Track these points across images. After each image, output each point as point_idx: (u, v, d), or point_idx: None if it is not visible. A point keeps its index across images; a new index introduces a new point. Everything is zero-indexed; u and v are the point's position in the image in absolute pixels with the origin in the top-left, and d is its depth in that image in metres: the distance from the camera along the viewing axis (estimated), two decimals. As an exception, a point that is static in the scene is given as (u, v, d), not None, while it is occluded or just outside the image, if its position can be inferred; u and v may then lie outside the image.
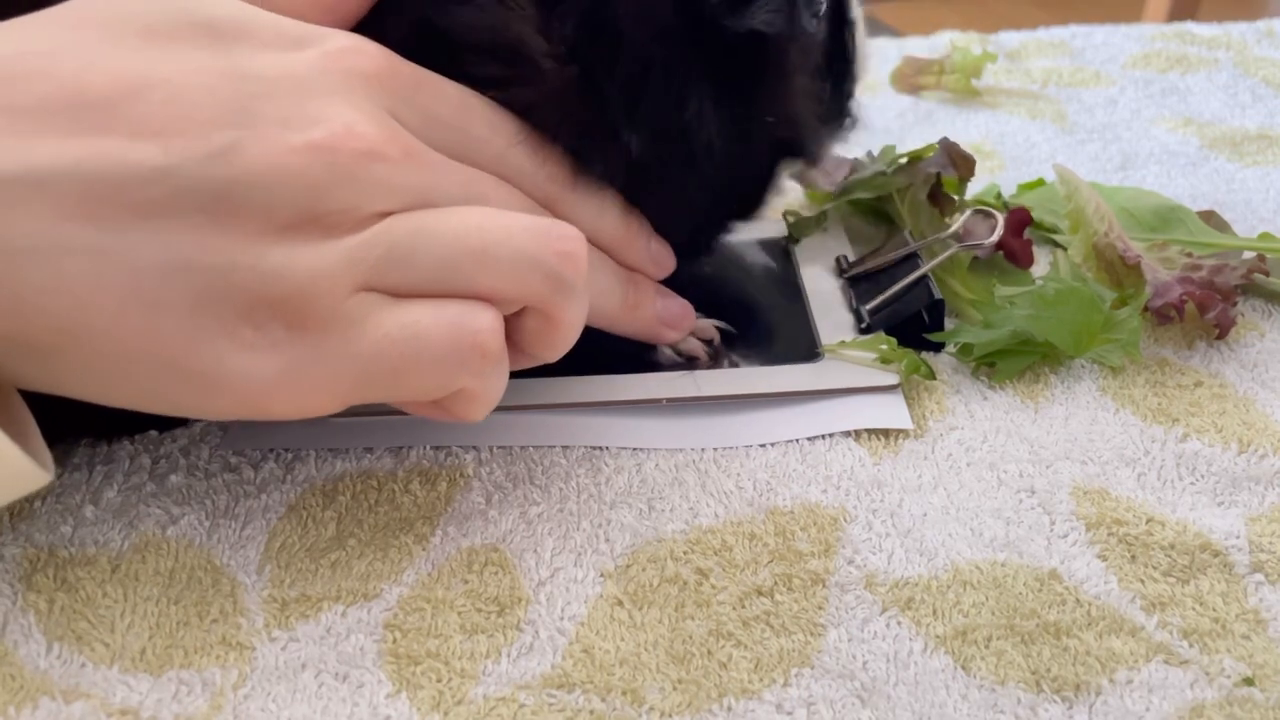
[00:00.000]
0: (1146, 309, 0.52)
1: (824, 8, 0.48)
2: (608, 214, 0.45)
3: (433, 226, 0.37)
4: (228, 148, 0.34)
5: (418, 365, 0.37)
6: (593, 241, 0.44)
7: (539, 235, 0.38)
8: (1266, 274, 0.55)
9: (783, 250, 0.60)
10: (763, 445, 0.47)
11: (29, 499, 0.44)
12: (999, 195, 0.64)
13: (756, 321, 0.54)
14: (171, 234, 0.33)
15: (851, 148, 0.61)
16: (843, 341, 0.51)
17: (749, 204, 0.52)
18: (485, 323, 0.37)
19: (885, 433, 0.47)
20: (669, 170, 0.46)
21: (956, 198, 0.60)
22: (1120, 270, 0.55)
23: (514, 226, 0.38)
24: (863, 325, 0.52)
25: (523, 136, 0.42)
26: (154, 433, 0.47)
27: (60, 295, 0.32)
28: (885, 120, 0.79)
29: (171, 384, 0.35)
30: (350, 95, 0.37)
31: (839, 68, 0.55)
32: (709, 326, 0.52)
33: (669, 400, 0.49)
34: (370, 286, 0.36)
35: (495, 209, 0.39)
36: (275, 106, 0.35)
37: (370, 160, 0.36)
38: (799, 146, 0.51)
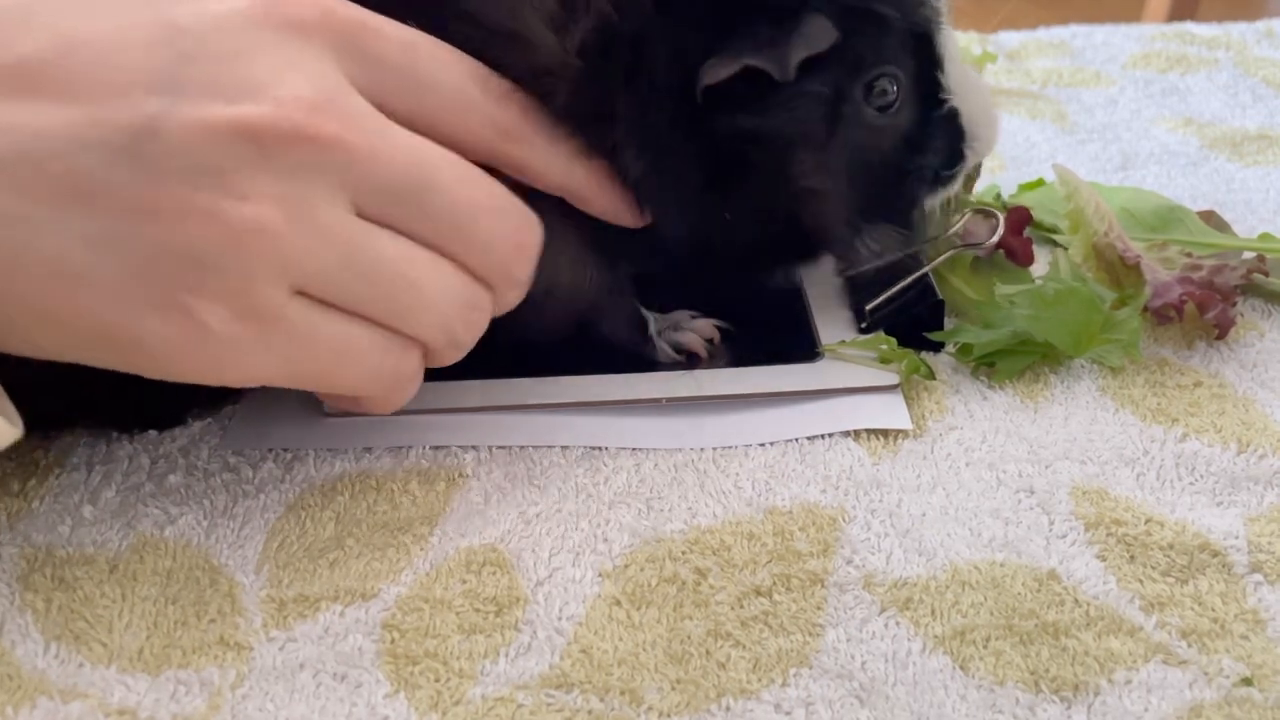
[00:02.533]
0: (1146, 309, 0.52)
1: (893, 94, 0.45)
2: (570, 163, 0.43)
3: (373, 256, 0.37)
4: (152, 119, 0.34)
5: (342, 378, 0.39)
6: (546, 187, 0.43)
7: (462, 300, 0.40)
8: (1266, 274, 0.55)
9: None
10: (762, 445, 0.47)
11: (27, 498, 0.44)
12: (999, 195, 0.64)
13: (756, 321, 0.54)
14: (97, 207, 0.34)
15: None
16: (843, 341, 0.51)
17: (756, 268, 0.50)
18: (412, 366, 0.41)
19: (884, 433, 0.47)
20: (662, 198, 0.45)
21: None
22: (1120, 270, 0.55)
23: (440, 286, 0.39)
24: (863, 325, 0.52)
25: (478, 74, 0.40)
26: (153, 433, 0.47)
27: None
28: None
29: (99, 347, 0.36)
30: (285, 50, 0.36)
31: (924, 161, 0.48)
32: (709, 326, 0.52)
33: (668, 400, 0.49)
34: (306, 293, 0.37)
35: (430, 256, 0.39)
36: (205, 69, 0.35)
37: (297, 143, 0.35)
38: (812, 249, 0.49)
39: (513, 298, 0.42)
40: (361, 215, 0.37)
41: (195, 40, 0.35)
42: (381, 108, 0.38)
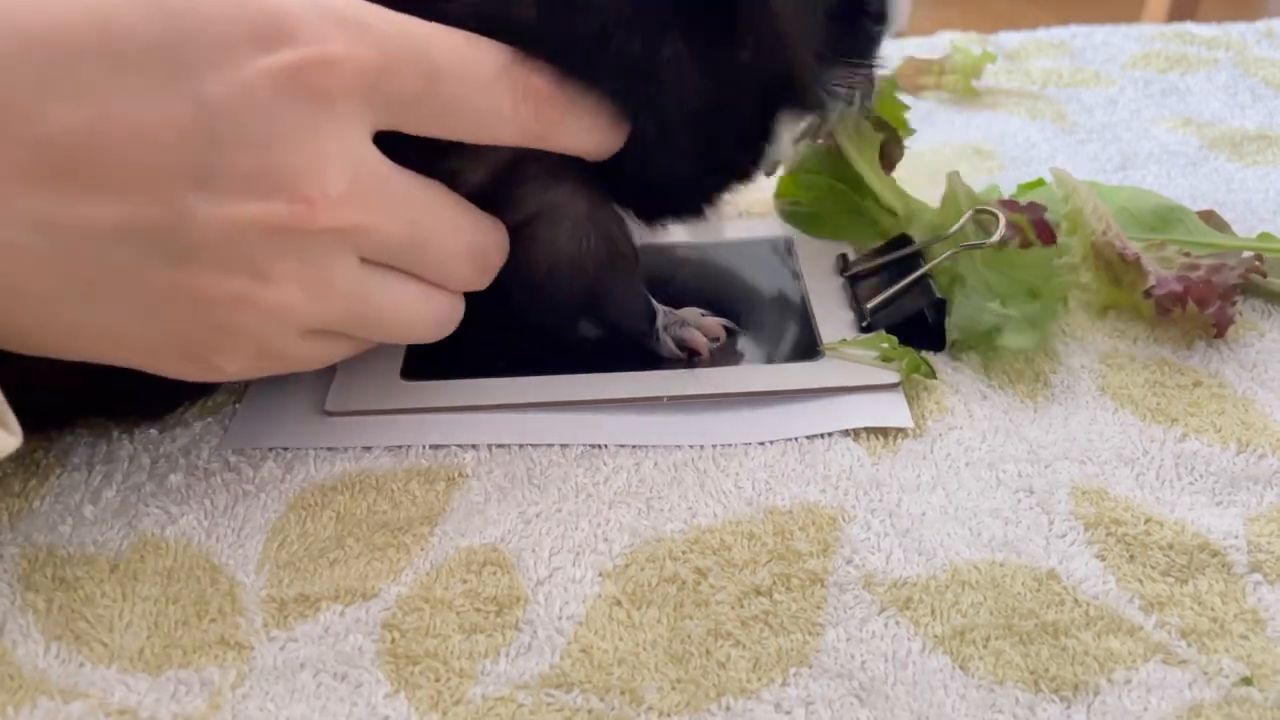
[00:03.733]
0: (1149, 295, 0.52)
1: None
2: (592, 123, 0.44)
3: (374, 300, 0.42)
4: (186, 215, 0.35)
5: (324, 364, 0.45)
6: (572, 153, 0.45)
7: (444, 313, 0.45)
8: (1264, 274, 0.55)
9: (784, 249, 0.60)
10: (762, 443, 0.47)
11: (28, 498, 0.44)
12: (998, 196, 0.64)
13: (757, 319, 0.54)
14: (131, 291, 0.36)
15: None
16: (844, 340, 0.51)
17: (745, 159, 0.50)
18: None
19: (884, 432, 0.47)
20: (647, 117, 0.45)
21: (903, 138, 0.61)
22: (1119, 268, 0.55)
23: (425, 309, 0.44)
24: (864, 324, 0.52)
25: (498, 71, 0.41)
26: (154, 432, 0.47)
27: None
28: (885, 120, 0.78)
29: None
30: (313, 130, 0.37)
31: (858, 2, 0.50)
32: (717, 325, 0.52)
33: (670, 398, 0.49)
34: (322, 330, 0.42)
35: (419, 287, 0.43)
36: (236, 158, 0.36)
37: (323, 235, 0.38)
38: (794, 93, 0.48)
39: (484, 284, 0.46)
40: (367, 266, 0.41)
41: (225, 121, 0.35)
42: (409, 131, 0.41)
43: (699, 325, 0.52)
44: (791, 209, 0.63)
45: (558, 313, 0.51)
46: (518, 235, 0.46)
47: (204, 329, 0.38)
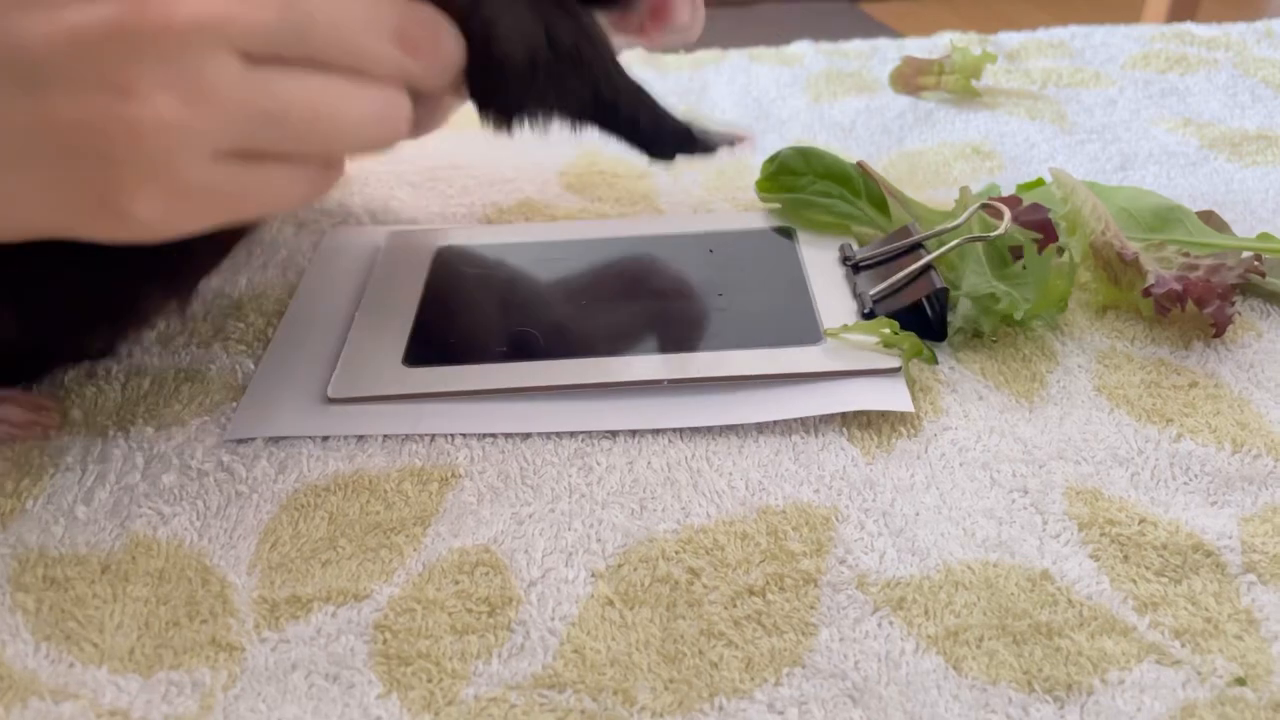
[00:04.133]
0: (1148, 294, 0.52)
1: None
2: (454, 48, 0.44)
3: (278, 99, 0.38)
4: (15, 36, 0.34)
5: (276, 209, 0.41)
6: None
7: (378, 107, 0.41)
8: (1263, 274, 0.55)
9: (787, 239, 0.60)
10: (759, 435, 0.47)
11: (21, 499, 0.44)
12: (999, 196, 0.64)
13: (759, 305, 0.54)
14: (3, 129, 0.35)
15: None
16: (845, 325, 0.51)
17: (565, 56, 0.48)
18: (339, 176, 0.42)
19: (878, 431, 0.47)
20: None
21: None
22: (1118, 268, 0.55)
23: (352, 104, 0.40)
24: (865, 311, 0.52)
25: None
26: (149, 430, 0.47)
27: None
28: (885, 121, 0.78)
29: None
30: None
31: None
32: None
33: (670, 381, 0.49)
34: (229, 152, 0.37)
35: (335, 79, 0.39)
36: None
37: (166, 32, 0.35)
38: None
39: (433, 77, 0.43)
40: (253, 63, 0.37)
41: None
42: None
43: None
44: (775, 209, 0.64)
45: (514, 87, 0.47)
46: (469, 21, 0.44)
47: (92, 166, 0.35)
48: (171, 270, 0.48)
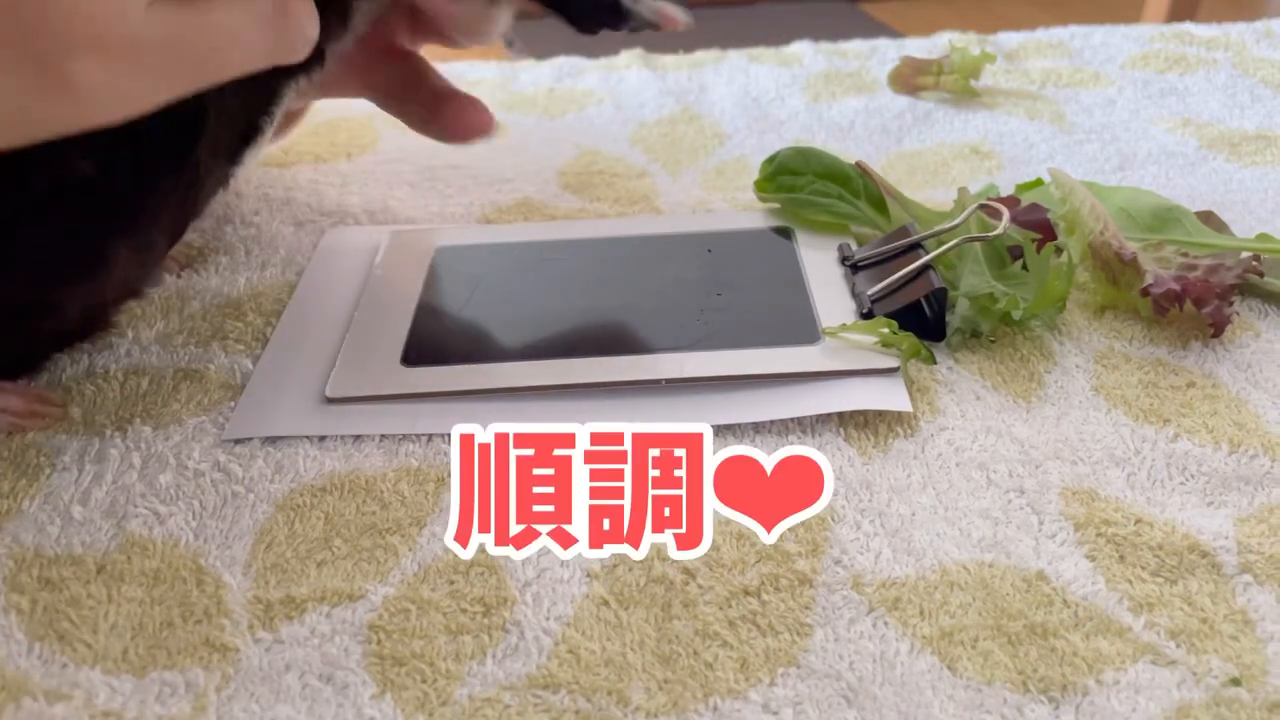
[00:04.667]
0: (1146, 294, 0.52)
1: None
2: None
3: None
4: None
5: (232, 57, 0.39)
6: None
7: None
8: (1262, 274, 0.55)
9: (786, 239, 0.60)
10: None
11: (17, 499, 0.44)
12: (997, 196, 0.64)
13: (757, 304, 0.54)
14: None
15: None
16: (844, 325, 0.51)
17: None
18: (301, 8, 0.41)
19: (875, 431, 0.47)
20: None
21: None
22: (1116, 267, 0.55)
23: None
24: (864, 311, 0.52)
25: None
26: (147, 430, 0.47)
27: None
28: (884, 121, 0.78)
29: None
30: None
31: None
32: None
33: (668, 381, 0.49)
34: None
35: None
36: None
37: None
38: None
39: None
40: None
41: None
42: None
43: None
44: (774, 209, 0.64)
45: None
46: None
47: (26, 29, 0.34)
48: (132, 218, 0.46)
